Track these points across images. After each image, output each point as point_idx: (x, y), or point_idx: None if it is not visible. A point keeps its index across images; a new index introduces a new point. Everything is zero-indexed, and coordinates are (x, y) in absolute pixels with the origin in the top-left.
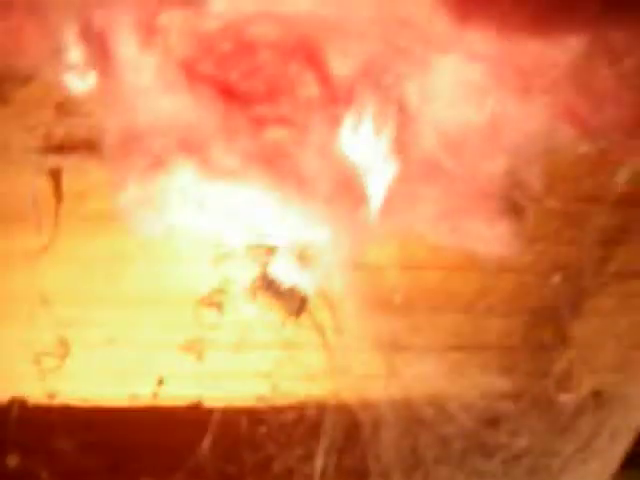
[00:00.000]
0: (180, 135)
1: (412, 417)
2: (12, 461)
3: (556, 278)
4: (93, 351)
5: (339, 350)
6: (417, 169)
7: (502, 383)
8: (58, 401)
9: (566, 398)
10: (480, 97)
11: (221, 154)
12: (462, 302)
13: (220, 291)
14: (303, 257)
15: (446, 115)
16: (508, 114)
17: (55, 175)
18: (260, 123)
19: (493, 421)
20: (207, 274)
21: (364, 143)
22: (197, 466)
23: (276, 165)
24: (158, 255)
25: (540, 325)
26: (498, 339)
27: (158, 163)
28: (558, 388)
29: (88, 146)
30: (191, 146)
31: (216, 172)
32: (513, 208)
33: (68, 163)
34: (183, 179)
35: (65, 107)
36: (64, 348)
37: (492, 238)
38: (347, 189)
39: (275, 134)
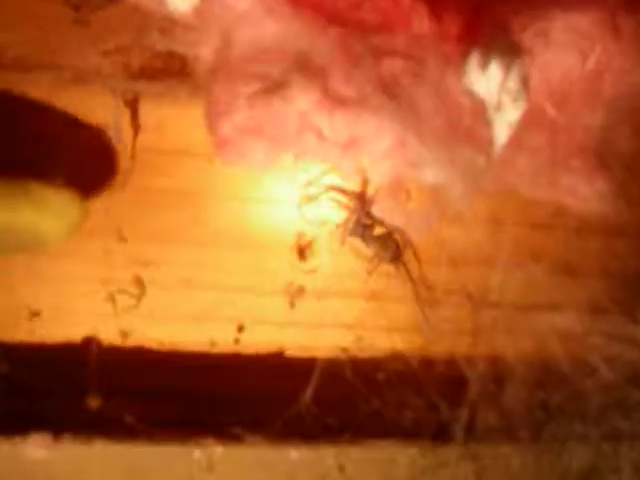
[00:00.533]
0: (297, 60)
1: (498, 375)
2: (94, 402)
3: None
4: (169, 292)
5: (428, 304)
6: (523, 117)
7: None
8: (132, 342)
9: None
10: (587, 45)
11: (340, 82)
12: (550, 260)
13: (309, 235)
14: (403, 202)
15: (553, 62)
16: (611, 65)
17: (133, 104)
18: (377, 54)
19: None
20: (296, 216)
21: (485, 85)
22: (277, 416)
23: (393, 97)
24: (244, 194)
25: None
26: (584, 302)
27: (272, 88)
28: None
29: (171, 74)
30: (309, 72)
31: (335, 100)
32: (605, 165)
33: (148, 92)
34: (301, 105)
35: (147, 31)
36: (140, 287)
37: (589, 194)
38: (464, 131)
39: (392, 66)
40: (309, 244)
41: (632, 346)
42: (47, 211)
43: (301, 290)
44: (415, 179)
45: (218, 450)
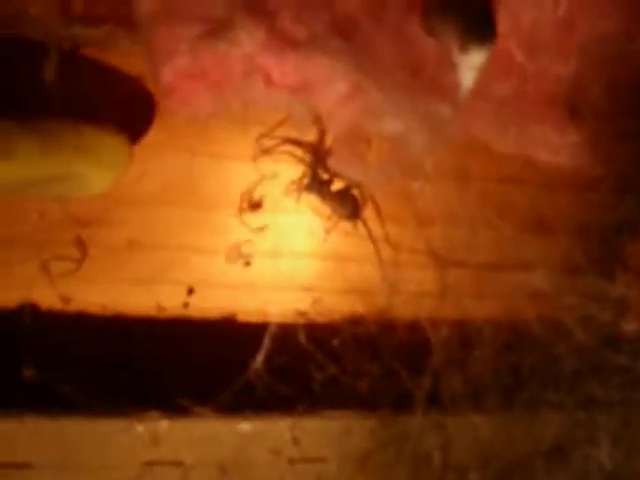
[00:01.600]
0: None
1: (465, 339)
2: (28, 373)
3: (619, 198)
4: (113, 254)
5: (390, 264)
6: (490, 64)
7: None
8: (72, 307)
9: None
10: None
11: (289, 21)
12: (518, 216)
13: (261, 190)
14: (362, 154)
15: (524, 4)
16: (584, 11)
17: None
18: None
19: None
20: (248, 170)
21: (446, 32)
22: (226, 386)
23: (348, 40)
24: (191, 146)
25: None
26: (556, 260)
27: (216, 30)
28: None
29: (114, 19)
30: (255, 12)
31: (284, 41)
32: (577, 116)
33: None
34: (247, 47)
35: None
36: (80, 250)
37: (561, 146)
38: (427, 78)
39: (347, 4)
40: (261, 201)
41: (607, 306)
42: (98, 160)
43: (254, 250)
44: (374, 129)
45: (163, 423)
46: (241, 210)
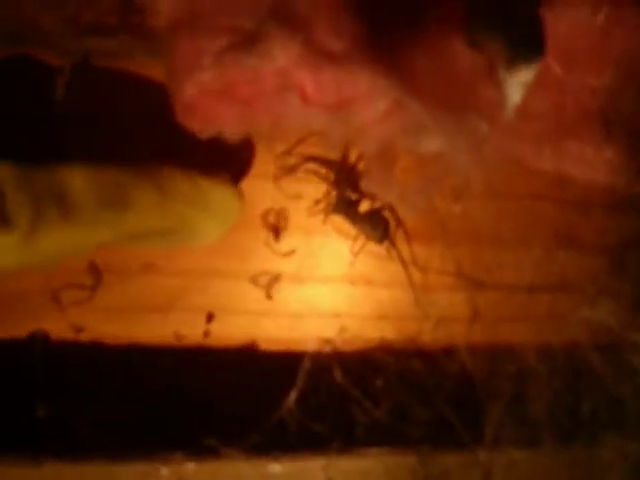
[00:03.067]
0: (274, 9)
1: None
2: (42, 411)
3: None
4: (128, 280)
5: (421, 288)
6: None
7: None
8: (86, 337)
9: None
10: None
11: (326, 34)
12: (549, 237)
13: (285, 211)
14: (396, 174)
15: (561, 15)
16: (620, 23)
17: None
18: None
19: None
20: (271, 189)
21: (491, 47)
22: (257, 420)
23: (389, 53)
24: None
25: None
26: (587, 279)
27: (244, 43)
28: None
29: (128, 29)
30: (289, 23)
31: (320, 55)
32: (612, 132)
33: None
34: (280, 61)
35: None
36: (94, 276)
37: (596, 162)
38: (466, 94)
39: (384, 16)
40: (286, 223)
41: None
42: (213, 212)
43: (278, 275)
44: (412, 148)
45: (189, 466)
46: (264, 233)
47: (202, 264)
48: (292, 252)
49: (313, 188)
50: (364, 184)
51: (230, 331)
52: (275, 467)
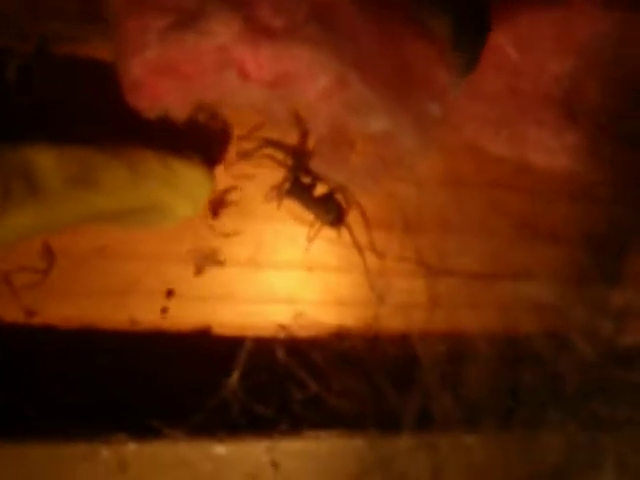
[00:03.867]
0: None
1: (458, 354)
2: None
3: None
4: (83, 264)
5: (377, 274)
6: (484, 61)
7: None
8: (38, 320)
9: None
10: None
11: (266, 10)
12: (510, 225)
13: (238, 193)
14: (346, 155)
15: (522, 4)
16: (582, 11)
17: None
18: None
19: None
20: (224, 174)
21: (437, 26)
22: (199, 406)
23: (330, 31)
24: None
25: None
26: (548, 268)
27: (186, 21)
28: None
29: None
30: (231, 0)
31: (260, 32)
32: (574, 119)
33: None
34: (220, 38)
35: None
36: (48, 259)
37: (557, 149)
38: (416, 74)
39: None
40: (242, 204)
41: (610, 317)
42: (185, 192)
43: (230, 259)
44: (359, 127)
45: (130, 447)
46: (213, 215)
47: (158, 248)
48: (238, 232)
49: (268, 173)
50: (314, 165)
51: (184, 316)
52: (219, 449)
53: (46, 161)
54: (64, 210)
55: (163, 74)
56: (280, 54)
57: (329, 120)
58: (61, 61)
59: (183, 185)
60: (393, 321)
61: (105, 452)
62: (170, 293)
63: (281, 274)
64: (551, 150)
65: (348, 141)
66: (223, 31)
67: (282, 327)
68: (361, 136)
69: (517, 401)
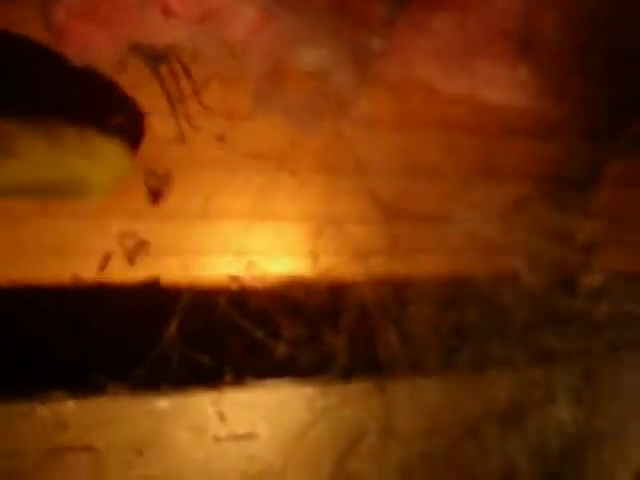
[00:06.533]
0: None
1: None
2: None
3: (576, 144)
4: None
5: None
6: None
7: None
8: None
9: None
10: None
11: None
12: (466, 165)
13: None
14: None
15: None
16: None
17: None
18: None
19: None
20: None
21: None
22: (155, 357)
23: None
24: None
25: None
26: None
27: None
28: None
29: None
30: None
31: None
32: (527, 51)
33: None
34: None
35: None
36: None
37: (510, 84)
38: (353, 9)
39: None
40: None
41: (560, 241)
42: (102, 164)
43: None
44: (294, 62)
45: (69, 404)
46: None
47: (101, 205)
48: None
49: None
50: (255, 105)
51: (131, 272)
52: (162, 403)
53: None
54: None
55: (86, 18)
56: None
57: (263, 55)
58: None
59: (101, 158)
60: (346, 268)
61: (43, 411)
62: (107, 257)
63: (233, 224)
64: (505, 85)
65: (285, 76)
66: None
67: (233, 278)
68: (299, 72)
69: (462, 339)
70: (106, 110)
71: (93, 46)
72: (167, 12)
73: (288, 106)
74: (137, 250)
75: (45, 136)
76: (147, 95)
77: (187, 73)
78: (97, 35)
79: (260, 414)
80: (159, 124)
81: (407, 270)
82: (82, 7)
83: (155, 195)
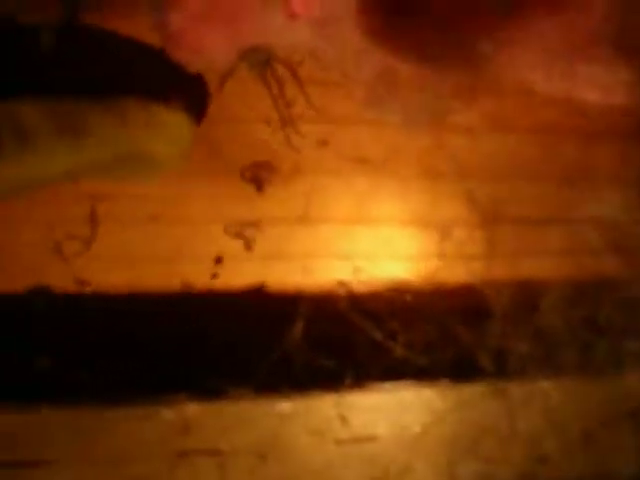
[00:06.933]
0: None
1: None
2: (43, 362)
3: None
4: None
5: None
6: None
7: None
8: (89, 289)
9: None
10: None
11: None
12: (564, 168)
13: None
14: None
15: None
16: None
17: None
18: None
19: None
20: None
21: None
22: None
23: None
24: (213, 114)
25: None
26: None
27: None
28: None
29: None
30: None
31: None
32: (627, 53)
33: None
34: None
35: None
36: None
37: (611, 85)
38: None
39: None
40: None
41: None
42: (168, 137)
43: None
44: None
45: (193, 408)
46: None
47: (207, 211)
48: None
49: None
50: (367, 107)
51: (238, 276)
52: (284, 405)
53: (34, 112)
54: (55, 159)
55: (203, 19)
56: None
57: (377, 60)
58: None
59: (166, 129)
60: (453, 272)
61: (168, 414)
62: (219, 260)
63: (338, 229)
64: (605, 87)
65: (400, 79)
66: None
67: (342, 283)
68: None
69: (596, 336)
70: (171, 88)
71: (210, 48)
72: (290, 13)
73: (403, 107)
74: (244, 255)
75: (114, 113)
76: (252, 99)
77: (295, 77)
78: (216, 37)
79: (380, 416)
80: (263, 128)
81: (510, 273)
82: (203, 8)
83: (259, 184)
